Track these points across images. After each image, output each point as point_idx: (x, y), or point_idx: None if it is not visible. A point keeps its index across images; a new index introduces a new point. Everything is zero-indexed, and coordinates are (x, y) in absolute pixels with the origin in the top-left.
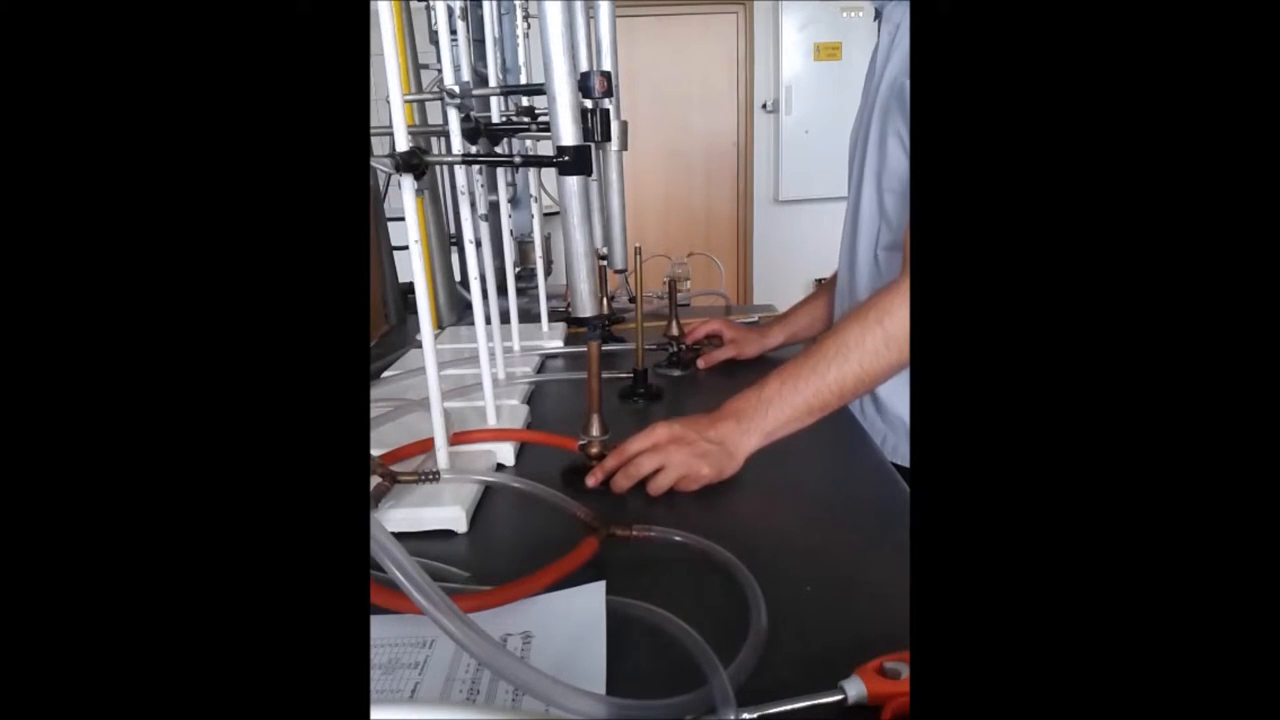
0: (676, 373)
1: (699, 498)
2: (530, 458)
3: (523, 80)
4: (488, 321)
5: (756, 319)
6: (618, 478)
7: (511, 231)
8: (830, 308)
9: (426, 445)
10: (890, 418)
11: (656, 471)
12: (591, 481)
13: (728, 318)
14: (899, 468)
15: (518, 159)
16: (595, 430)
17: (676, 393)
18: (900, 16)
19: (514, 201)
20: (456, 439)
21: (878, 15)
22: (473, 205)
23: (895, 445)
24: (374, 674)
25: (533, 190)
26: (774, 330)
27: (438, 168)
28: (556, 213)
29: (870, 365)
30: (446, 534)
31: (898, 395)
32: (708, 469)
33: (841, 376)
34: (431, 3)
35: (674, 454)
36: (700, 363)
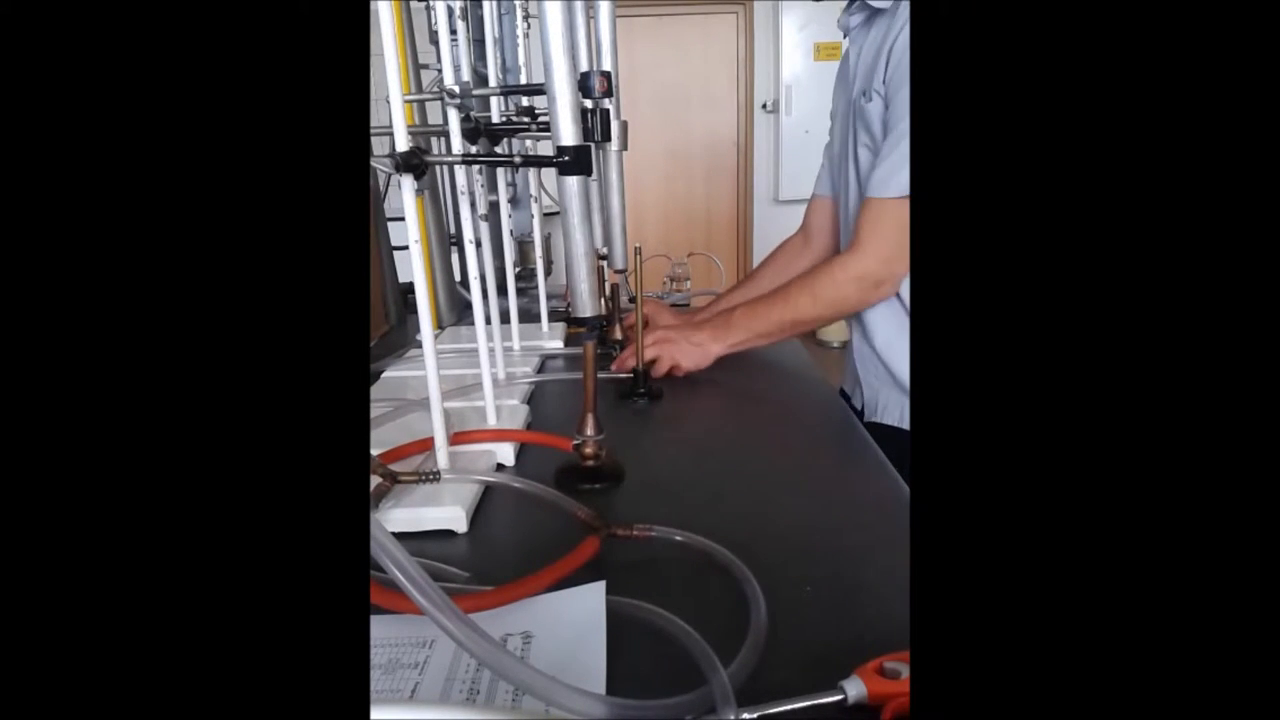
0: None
1: (698, 497)
2: (531, 458)
3: (523, 80)
4: (488, 321)
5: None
6: (625, 359)
7: (511, 231)
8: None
9: (426, 445)
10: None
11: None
12: (615, 366)
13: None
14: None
15: (518, 159)
16: (590, 430)
17: (677, 392)
18: (863, 40)
19: (514, 201)
20: (456, 439)
21: (846, 34)
22: (473, 205)
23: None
24: (374, 674)
25: (533, 190)
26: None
27: (438, 168)
28: (556, 213)
29: (801, 314)
30: (446, 534)
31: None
32: (687, 363)
33: (781, 317)
34: (431, 3)
35: (668, 348)
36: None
